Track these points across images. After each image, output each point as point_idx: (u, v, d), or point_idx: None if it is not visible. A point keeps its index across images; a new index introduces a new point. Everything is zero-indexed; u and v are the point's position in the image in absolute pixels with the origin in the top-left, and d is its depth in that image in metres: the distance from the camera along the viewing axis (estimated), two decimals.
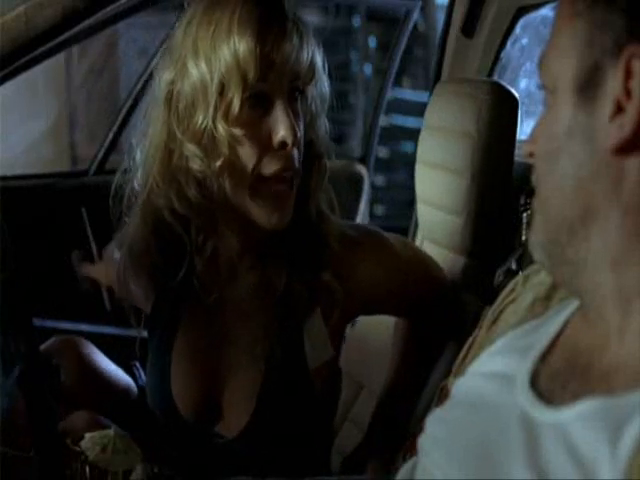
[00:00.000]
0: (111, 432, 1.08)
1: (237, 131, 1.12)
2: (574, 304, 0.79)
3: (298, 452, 1.23)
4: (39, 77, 4.85)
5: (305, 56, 1.14)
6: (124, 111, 2.06)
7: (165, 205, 1.19)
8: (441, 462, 0.76)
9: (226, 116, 1.12)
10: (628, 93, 0.68)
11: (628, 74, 0.68)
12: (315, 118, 1.21)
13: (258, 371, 1.19)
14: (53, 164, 4.95)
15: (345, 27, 5.11)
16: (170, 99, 1.17)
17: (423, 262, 1.40)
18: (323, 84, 1.21)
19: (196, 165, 1.15)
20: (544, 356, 0.77)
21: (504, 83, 1.61)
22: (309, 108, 1.20)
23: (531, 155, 0.78)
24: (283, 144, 1.13)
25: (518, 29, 2.00)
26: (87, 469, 1.04)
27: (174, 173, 1.17)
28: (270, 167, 1.14)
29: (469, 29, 1.96)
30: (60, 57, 5.07)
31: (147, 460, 1.10)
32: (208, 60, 1.12)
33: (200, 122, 1.13)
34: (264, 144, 1.14)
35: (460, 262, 1.68)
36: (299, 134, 1.15)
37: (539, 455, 0.67)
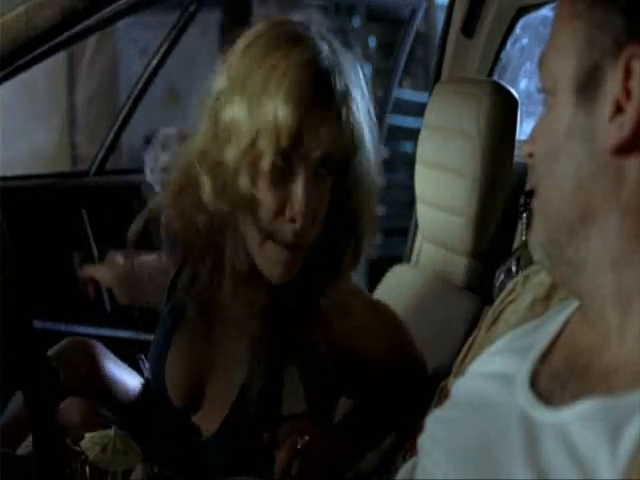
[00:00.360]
0: (111, 432, 1.08)
1: (260, 187, 1.13)
2: (574, 304, 0.79)
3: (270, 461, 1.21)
4: (40, 77, 4.85)
5: (339, 139, 1.13)
6: (124, 111, 2.06)
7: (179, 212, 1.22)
8: (441, 462, 0.76)
9: (252, 167, 1.13)
10: (628, 93, 0.68)
11: (628, 74, 0.68)
12: (354, 195, 1.20)
13: (237, 377, 1.22)
14: (54, 164, 4.95)
15: (345, 27, 5.12)
16: (215, 109, 1.17)
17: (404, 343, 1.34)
18: (364, 165, 1.19)
19: (205, 196, 1.17)
20: (544, 356, 0.77)
21: (504, 83, 1.62)
22: (349, 184, 1.19)
23: (531, 155, 0.78)
24: (293, 220, 1.13)
25: (518, 29, 2.00)
26: (87, 469, 1.04)
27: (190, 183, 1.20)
28: (280, 234, 1.15)
29: (469, 29, 1.96)
30: (61, 57, 5.08)
31: (147, 460, 1.10)
32: (251, 103, 1.12)
33: (227, 159, 1.14)
34: (278, 209, 1.14)
35: (460, 262, 1.68)
36: (318, 214, 1.15)
37: (539, 455, 0.67)
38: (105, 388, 1.47)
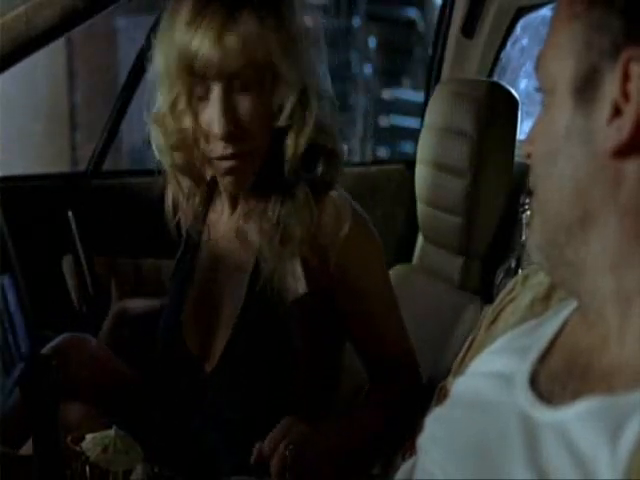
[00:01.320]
0: (112, 432, 1.08)
1: (185, 121, 1.25)
2: (573, 304, 0.79)
3: (271, 397, 1.27)
4: (40, 78, 4.86)
5: (228, 51, 1.18)
6: (116, 111, 2.02)
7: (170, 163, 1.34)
8: (441, 461, 0.76)
9: (174, 107, 1.25)
10: (626, 96, 0.68)
11: (626, 77, 0.68)
12: (286, 96, 1.24)
13: (238, 299, 1.30)
14: (54, 165, 4.95)
15: (345, 27, 5.12)
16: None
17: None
18: (297, 74, 1.24)
19: (160, 141, 1.30)
20: (543, 356, 0.77)
21: (504, 83, 1.62)
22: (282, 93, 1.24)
23: (529, 156, 0.78)
24: (217, 136, 1.22)
25: (518, 29, 2.00)
26: (88, 469, 1.04)
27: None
28: (213, 152, 1.25)
29: (469, 29, 1.96)
30: (61, 57, 5.08)
31: (147, 460, 1.10)
32: (162, 52, 1.24)
33: (158, 108, 1.28)
34: (206, 132, 1.24)
35: (460, 262, 1.68)
36: (242, 122, 1.22)
37: (539, 454, 0.67)
38: (102, 383, 1.47)
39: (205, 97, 1.23)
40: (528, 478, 0.66)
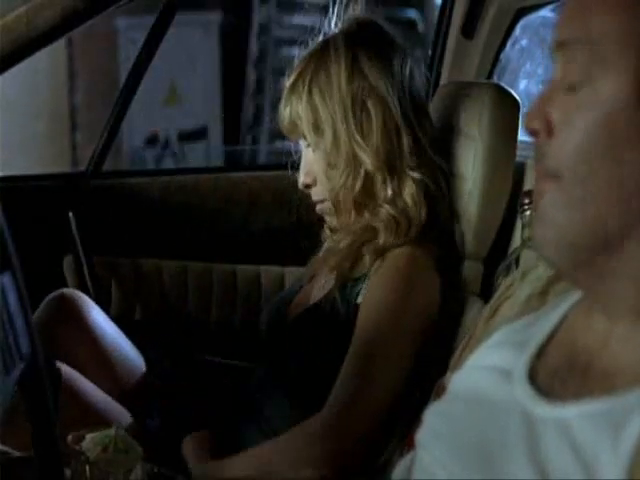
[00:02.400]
0: (112, 432, 1.08)
1: None
2: (571, 299, 0.78)
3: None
4: (40, 78, 4.85)
5: (288, 115, 1.46)
6: (115, 112, 2.01)
7: None
8: (441, 456, 0.75)
9: None
10: None
11: None
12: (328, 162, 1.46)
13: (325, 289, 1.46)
14: (54, 165, 4.95)
15: None
16: None
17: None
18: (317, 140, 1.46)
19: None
20: (541, 351, 0.76)
21: (505, 85, 1.62)
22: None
23: (534, 134, 0.70)
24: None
25: (518, 30, 2.00)
26: (87, 469, 1.04)
27: None
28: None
29: (469, 30, 1.96)
30: (62, 58, 5.08)
31: (147, 460, 1.10)
32: None
33: None
34: None
35: (461, 264, 1.68)
36: (310, 177, 1.48)
37: (539, 450, 0.67)
38: (93, 337, 1.53)
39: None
40: (529, 474, 0.66)
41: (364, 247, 1.43)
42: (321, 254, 1.57)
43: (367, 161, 1.40)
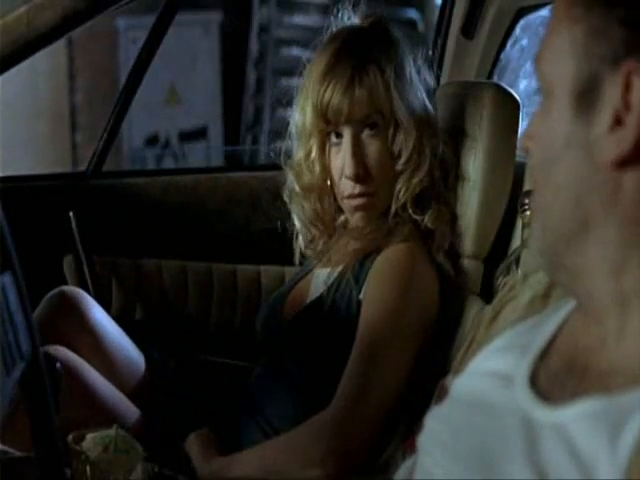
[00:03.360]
0: (112, 432, 1.08)
1: (316, 168, 1.49)
2: (572, 302, 0.79)
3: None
4: (41, 79, 4.86)
5: (357, 100, 1.41)
6: (116, 112, 2.01)
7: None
8: (442, 460, 0.75)
9: (308, 156, 1.49)
10: (627, 106, 0.67)
11: (627, 87, 0.67)
12: (398, 147, 1.45)
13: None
14: (55, 165, 4.95)
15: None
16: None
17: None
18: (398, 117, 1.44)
19: (294, 186, 1.54)
20: (543, 355, 0.76)
21: (505, 85, 1.62)
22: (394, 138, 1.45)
23: (527, 151, 0.77)
24: (347, 177, 1.44)
25: (518, 30, 2.00)
26: (88, 469, 1.04)
27: None
28: (345, 192, 1.47)
29: (469, 30, 1.96)
30: (62, 58, 5.08)
31: (148, 460, 1.10)
32: (300, 108, 1.48)
33: (298, 157, 1.52)
34: (340, 172, 1.46)
35: (460, 263, 1.68)
36: (369, 164, 1.44)
37: (539, 454, 0.67)
38: (93, 334, 1.54)
39: (338, 144, 1.45)
40: (528, 477, 0.66)
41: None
42: (319, 250, 1.56)
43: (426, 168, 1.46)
